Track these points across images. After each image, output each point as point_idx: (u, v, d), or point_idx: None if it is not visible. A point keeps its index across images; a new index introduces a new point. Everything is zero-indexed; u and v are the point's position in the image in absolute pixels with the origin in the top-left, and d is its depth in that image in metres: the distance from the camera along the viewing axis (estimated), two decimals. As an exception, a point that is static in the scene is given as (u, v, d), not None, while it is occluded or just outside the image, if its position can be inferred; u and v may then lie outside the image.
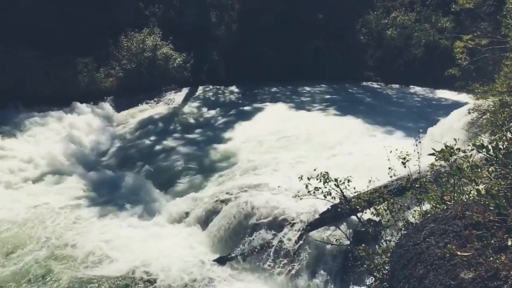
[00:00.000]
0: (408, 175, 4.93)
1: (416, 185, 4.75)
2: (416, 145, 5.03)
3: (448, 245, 2.87)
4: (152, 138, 17.89)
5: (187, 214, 11.90)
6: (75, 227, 11.49)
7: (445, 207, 3.79)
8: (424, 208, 4.60)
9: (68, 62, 22.33)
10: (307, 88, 24.49)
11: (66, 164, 15.12)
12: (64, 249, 10.47)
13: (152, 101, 22.73)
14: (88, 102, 21.22)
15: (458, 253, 2.77)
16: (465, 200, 3.86)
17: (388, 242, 4.89)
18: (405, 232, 4.07)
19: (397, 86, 25.90)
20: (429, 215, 3.93)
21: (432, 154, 4.07)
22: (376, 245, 5.09)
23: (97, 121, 19.79)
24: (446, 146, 3.94)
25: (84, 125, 18.87)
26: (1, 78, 19.99)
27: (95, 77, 22.90)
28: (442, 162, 4.15)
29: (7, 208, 12.27)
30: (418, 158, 4.99)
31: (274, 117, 18.75)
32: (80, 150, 16.37)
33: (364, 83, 26.46)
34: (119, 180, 14.10)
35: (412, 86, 25.52)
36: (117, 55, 23.62)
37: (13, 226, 11.42)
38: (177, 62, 24.15)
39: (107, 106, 21.58)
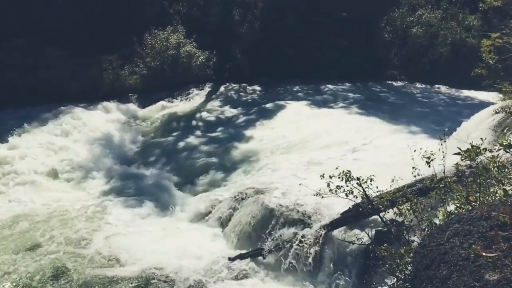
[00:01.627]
0: (433, 174, 4.86)
1: (441, 185, 4.68)
2: (441, 145, 4.95)
3: (473, 246, 2.82)
4: (175, 135, 18.08)
5: (208, 211, 11.99)
6: (96, 224, 11.60)
7: (470, 208, 3.72)
8: (448, 208, 4.53)
9: (94, 60, 22.76)
10: (330, 87, 24.31)
11: (90, 160, 15.41)
12: (84, 246, 10.54)
13: (175, 98, 22.96)
14: (113, 99, 21.61)
15: (483, 254, 2.72)
16: (491, 200, 3.78)
17: (411, 243, 4.83)
18: (428, 232, 4.02)
19: (422, 85, 25.47)
20: (453, 215, 3.87)
21: (458, 154, 4.00)
22: (399, 245, 5.03)
23: (121, 118, 20.15)
24: (472, 146, 3.86)
25: (109, 122, 19.23)
26: (30, 76, 20.56)
27: (120, 74, 23.27)
28: (468, 162, 4.07)
29: (31, 204, 12.53)
30: (443, 157, 4.90)
31: (296, 115, 18.69)
32: (104, 147, 16.67)
33: (388, 82, 26.11)
34: (142, 177, 14.32)
35: (437, 85, 25.06)
36: (141, 53, 23.93)
37: (35, 221, 11.62)
38: (200, 60, 24.33)
39: (131, 103, 21.93)
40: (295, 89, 24.07)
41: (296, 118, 18.14)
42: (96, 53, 22.79)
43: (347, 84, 24.87)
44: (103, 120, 19.26)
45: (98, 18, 23.14)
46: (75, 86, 21.24)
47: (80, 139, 17.11)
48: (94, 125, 18.54)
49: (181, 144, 17.07)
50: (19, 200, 12.72)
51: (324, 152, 13.49)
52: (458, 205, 4.24)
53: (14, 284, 9.02)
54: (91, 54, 22.46)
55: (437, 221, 4.71)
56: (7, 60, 20.73)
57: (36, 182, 13.89)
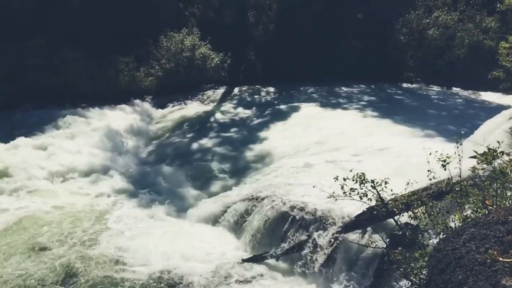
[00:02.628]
0: (448, 178, 4.80)
1: (457, 189, 4.62)
2: (457, 148, 4.89)
3: (490, 251, 2.78)
4: (189, 136, 18.17)
5: (221, 213, 12.00)
6: (108, 224, 11.59)
7: (487, 212, 3.67)
8: (464, 212, 4.47)
9: (110, 61, 23.04)
10: (344, 89, 24.21)
11: (105, 161, 15.53)
12: (94, 247, 10.50)
13: (189, 100, 23.11)
14: (128, 100, 21.84)
15: (500, 259, 2.68)
16: (508, 204, 3.73)
17: (425, 246, 4.78)
18: (444, 236, 3.97)
19: (438, 87, 25.21)
20: (469, 219, 3.82)
21: (474, 157, 3.95)
22: (413, 249, 4.98)
23: (136, 119, 20.34)
24: (489, 149, 3.81)
25: (124, 123, 19.42)
26: (47, 77, 20.93)
27: (136, 76, 23.52)
28: (485, 166, 4.02)
29: (43, 204, 12.59)
30: (459, 161, 4.84)
31: (310, 117, 18.63)
32: (118, 148, 16.83)
33: (404, 84, 25.90)
34: (155, 178, 14.39)
35: (453, 88, 24.78)
36: (156, 54, 24.16)
37: (45, 222, 11.64)
38: (215, 61, 24.45)
39: (146, 104, 22.16)
40: (309, 91, 24.02)
41: (310, 120, 18.09)
42: (112, 55, 23.08)
43: (362, 86, 24.74)
44: (118, 121, 19.47)
45: (114, 20, 23.43)
46: (91, 87, 21.55)
47: (95, 140, 17.30)
48: (109, 126, 18.74)
49: (195, 145, 17.15)
50: (30, 201, 12.81)
51: (338, 155, 13.41)
52: (475, 209, 4.19)
53: (23, 286, 9.05)
54: (107, 55, 22.76)
55: (452, 225, 4.66)
56: (24, 60, 21.15)
57: (50, 182, 14.03)
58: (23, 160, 14.91)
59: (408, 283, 4.88)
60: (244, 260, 10.06)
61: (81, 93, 21.03)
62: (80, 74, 21.75)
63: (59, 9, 22.80)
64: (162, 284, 9.28)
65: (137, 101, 22.17)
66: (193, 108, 22.05)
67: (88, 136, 17.62)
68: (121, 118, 20.01)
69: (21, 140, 16.35)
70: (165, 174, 14.59)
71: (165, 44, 24.06)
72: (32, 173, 14.31)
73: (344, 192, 5.21)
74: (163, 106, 22.20)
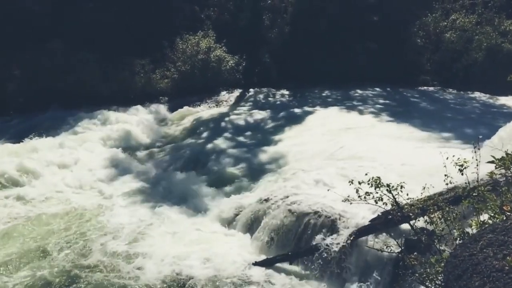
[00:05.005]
0: (465, 183, 4.74)
1: (474, 194, 4.56)
2: (475, 152, 4.83)
3: (508, 257, 2.74)
4: (203, 138, 18.26)
5: (235, 215, 12.01)
6: (122, 226, 11.63)
7: (505, 218, 3.62)
8: (481, 218, 4.41)
9: (126, 64, 23.30)
10: (359, 92, 24.08)
11: (120, 162, 15.68)
12: (107, 249, 10.49)
13: (204, 102, 23.23)
14: (144, 102, 22.05)
15: (518, 266, 2.64)
16: (527, 211, 3.66)
17: (441, 252, 4.72)
18: (460, 242, 3.92)
19: (455, 91, 24.89)
20: (487, 225, 3.77)
21: (492, 162, 3.90)
22: (429, 255, 4.92)
23: (152, 121, 20.52)
24: (507, 154, 3.76)
25: (140, 125, 19.61)
26: (63, 78, 21.25)
27: (151, 78, 23.73)
28: (503, 171, 3.96)
29: (58, 204, 12.77)
30: (477, 165, 4.78)
31: (325, 120, 18.58)
32: (134, 149, 17.00)
33: (420, 88, 25.64)
34: (170, 179, 14.47)
35: (471, 92, 24.44)
36: (172, 57, 24.36)
37: (59, 222, 11.76)
38: (230, 64, 24.56)
39: (161, 107, 22.33)
40: (323, 94, 23.95)
41: (325, 123, 18.04)
42: (128, 57, 23.34)
43: (377, 89, 24.58)
44: (134, 123, 19.66)
45: (130, 23, 23.71)
46: (107, 89, 21.80)
47: (110, 141, 17.51)
48: (124, 128, 18.94)
49: (210, 147, 17.22)
50: (42, 201, 12.97)
51: (353, 159, 13.33)
52: (492, 214, 4.13)
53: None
54: (124, 58, 23.02)
55: (469, 230, 4.59)
56: (43, 62, 21.50)
57: (64, 183, 14.16)
58: (40, 161, 15.16)
59: (424, 288, 4.82)
60: (256, 263, 10.05)
61: (97, 95, 21.29)
62: (97, 76, 22.03)
63: (76, 12, 23.15)
64: (171, 285, 9.31)
65: (153, 103, 22.36)
66: (208, 110, 22.16)
67: (103, 137, 17.82)
68: (136, 120, 20.20)
69: (38, 142, 16.62)
70: (179, 176, 14.67)
71: (181, 47, 24.24)
72: (47, 174, 14.54)
73: (359, 196, 5.18)
74: (178, 108, 22.34)
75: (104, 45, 22.29)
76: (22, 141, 16.71)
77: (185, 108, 22.10)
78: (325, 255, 9.41)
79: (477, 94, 24.08)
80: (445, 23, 28.04)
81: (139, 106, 21.55)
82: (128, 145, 17.23)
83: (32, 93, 20.58)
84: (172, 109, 22.31)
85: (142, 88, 23.13)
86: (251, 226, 11.36)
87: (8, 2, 22.27)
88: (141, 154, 17.05)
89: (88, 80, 21.68)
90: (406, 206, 5.42)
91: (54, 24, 22.84)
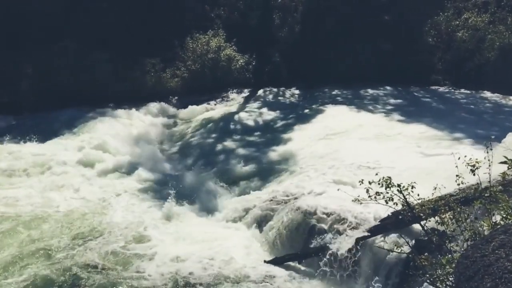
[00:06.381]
0: (477, 183, 4.70)
1: (486, 195, 4.52)
2: (487, 153, 4.78)
3: (520, 259, 2.71)
4: (213, 137, 18.30)
5: (244, 214, 12.04)
6: (132, 224, 11.69)
7: (518, 219, 3.58)
8: (493, 219, 4.37)
9: (137, 63, 23.43)
10: (370, 91, 23.94)
11: (131, 160, 15.78)
12: (116, 246, 10.58)
13: (214, 101, 23.26)
14: (154, 101, 22.17)
15: (531, 267, 2.61)
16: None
17: (453, 253, 4.68)
18: (472, 242, 3.89)
19: (467, 91, 24.61)
20: (499, 226, 3.73)
21: (504, 163, 3.87)
22: (440, 255, 4.89)
23: (162, 120, 20.65)
24: (521, 155, 3.72)
25: (150, 124, 19.74)
26: (75, 77, 21.45)
27: (162, 77, 23.84)
28: (515, 171, 3.92)
29: (68, 202, 12.86)
30: (489, 166, 4.74)
31: (335, 120, 18.49)
32: (143, 148, 17.09)
33: (432, 87, 25.42)
34: (179, 178, 14.55)
35: (483, 91, 24.14)
36: (182, 56, 24.44)
37: (63, 219, 11.82)
38: (240, 63, 24.57)
39: (171, 105, 22.43)
40: (334, 93, 23.85)
41: (335, 123, 17.96)
42: (139, 56, 23.47)
43: (388, 88, 24.41)
44: (144, 122, 19.79)
45: (141, 22, 23.84)
46: (119, 88, 21.94)
47: (121, 140, 17.63)
48: (135, 126, 19.08)
49: (219, 146, 17.26)
50: (56, 198, 13.07)
51: (363, 158, 13.27)
52: (504, 215, 4.09)
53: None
54: (135, 57, 23.15)
55: (481, 231, 4.55)
56: (54, 62, 21.73)
57: (73, 181, 14.27)
58: (48, 159, 15.32)
59: (434, 289, 4.79)
60: (266, 262, 10.07)
61: (109, 94, 21.44)
62: (109, 76, 22.18)
63: (89, 12, 23.34)
64: (181, 283, 9.34)
65: (163, 102, 22.47)
66: (217, 109, 22.20)
67: (114, 136, 17.95)
68: (147, 118, 20.35)
69: (51, 140, 16.82)
70: (188, 174, 14.74)
71: (191, 46, 24.31)
72: (55, 172, 14.69)
73: (369, 196, 5.16)
74: (188, 107, 22.42)
75: (115, 45, 22.44)
76: (34, 140, 16.91)
77: (195, 107, 22.16)
78: (334, 255, 9.40)
79: (489, 94, 23.79)
80: (457, 22, 27.71)
81: (149, 105, 21.68)
82: (138, 144, 17.32)
83: (45, 92, 20.79)
84: (182, 108, 22.39)
85: (152, 87, 23.25)
86: (260, 225, 11.38)
87: (22, 2, 22.51)
88: (151, 152, 17.11)
89: (100, 79, 21.84)
90: (417, 207, 5.39)
91: (66, 24, 23.05)
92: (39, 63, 21.62)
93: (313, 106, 21.06)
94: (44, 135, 17.31)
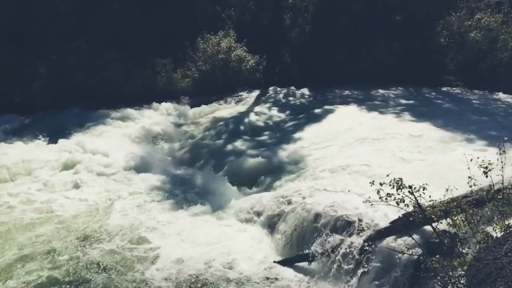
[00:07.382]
0: (490, 185, 4.65)
1: (499, 197, 4.47)
2: (500, 154, 4.73)
3: (534, 262, 2.68)
4: (223, 137, 18.34)
5: (253, 214, 12.04)
6: (142, 223, 11.70)
7: (531, 222, 3.54)
8: (506, 221, 4.32)
9: (148, 63, 23.60)
10: (381, 91, 23.79)
11: (141, 159, 15.86)
12: (126, 245, 10.61)
13: (224, 101, 23.33)
14: (165, 101, 22.30)
15: (545, 271, 2.58)
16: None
17: (464, 255, 4.64)
18: (484, 245, 3.85)
19: (479, 92, 24.36)
20: (511, 228, 3.70)
21: (518, 165, 3.82)
22: (451, 258, 4.85)
23: (173, 120, 20.75)
24: (535, 157, 3.67)
25: (160, 123, 19.85)
26: (89, 77, 21.67)
27: (173, 77, 23.99)
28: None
29: (79, 203, 12.90)
30: (502, 167, 4.69)
31: (345, 120, 18.43)
32: (155, 147, 17.20)
33: (444, 88, 25.20)
34: (189, 177, 14.59)
35: (496, 92, 23.87)
36: (193, 56, 24.55)
37: (78, 220, 11.88)
38: (250, 64, 24.61)
39: (182, 105, 22.53)
40: (344, 94, 23.76)
41: (345, 123, 17.89)
42: (150, 57, 23.63)
43: (400, 88, 24.26)
44: (155, 122, 19.90)
45: (153, 23, 23.99)
46: (130, 88, 22.15)
47: (131, 140, 17.75)
48: (146, 126, 19.19)
49: (229, 146, 17.28)
50: (56, 198, 13.12)
51: (374, 159, 13.21)
52: (517, 218, 4.05)
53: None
54: (146, 57, 23.32)
55: (493, 234, 4.51)
56: (67, 61, 21.97)
57: (83, 180, 14.35)
58: (60, 158, 15.46)
59: (445, 292, 4.75)
60: (275, 262, 10.06)
61: (121, 94, 21.64)
62: (120, 75, 22.38)
63: (102, 12, 23.54)
64: (190, 283, 9.35)
65: (174, 102, 22.59)
66: (227, 109, 22.25)
67: (125, 135, 18.10)
68: (157, 118, 20.48)
69: (63, 140, 16.98)
70: (198, 173, 14.78)
71: (202, 46, 24.40)
72: (66, 171, 14.82)
73: (380, 197, 5.13)
74: (198, 107, 22.52)
75: (128, 45, 22.64)
76: (47, 138, 17.08)
77: (205, 107, 22.24)
78: (344, 256, 9.35)
79: (502, 95, 23.52)
80: (470, 23, 27.44)
81: (160, 105, 21.81)
82: (149, 143, 17.45)
83: (58, 91, 21.04)
84: (192, 108, 22.49)
85: (163, 87, 23.40)
86: (270, 226, 11.37)
87: (35, 1, 22.78)
88: (161, 152, 17.22)
89: (112, 78, 22.04)
90: (428, 208, 5.35)
91: (79, 24, 23.29)
92: (52, 63, 21.87)
93: (323, 106, 20.99)
94: (56, 134, 17.49)
